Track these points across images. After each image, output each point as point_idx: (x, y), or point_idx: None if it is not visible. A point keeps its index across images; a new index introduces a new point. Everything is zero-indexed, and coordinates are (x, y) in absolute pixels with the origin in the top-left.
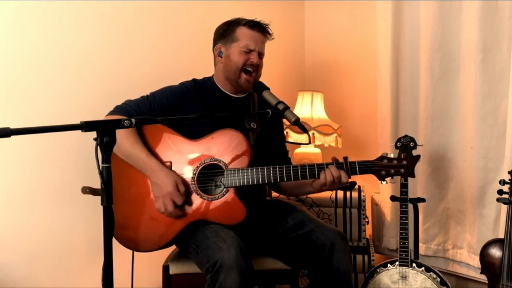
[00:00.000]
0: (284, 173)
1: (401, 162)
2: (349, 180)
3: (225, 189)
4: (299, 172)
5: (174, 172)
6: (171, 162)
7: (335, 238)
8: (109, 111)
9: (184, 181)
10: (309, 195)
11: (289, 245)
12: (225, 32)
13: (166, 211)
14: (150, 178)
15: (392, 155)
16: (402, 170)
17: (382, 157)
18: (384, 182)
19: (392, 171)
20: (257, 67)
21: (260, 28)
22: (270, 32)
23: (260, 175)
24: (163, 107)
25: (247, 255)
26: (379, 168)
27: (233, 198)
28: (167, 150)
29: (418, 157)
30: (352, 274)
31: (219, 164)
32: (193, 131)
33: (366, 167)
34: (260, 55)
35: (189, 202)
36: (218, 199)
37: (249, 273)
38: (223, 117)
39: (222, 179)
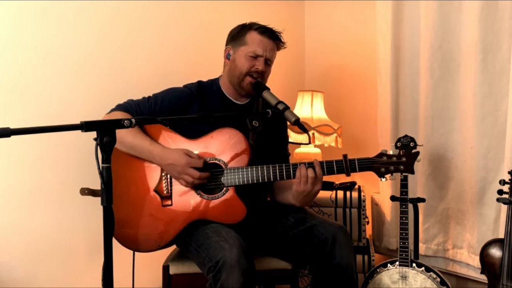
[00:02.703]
0: (284, 171)
1: (401, 159)
2: (349, 177)
3: (225, 188)
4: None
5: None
6: None
7: (337, 232)
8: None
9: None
10: None
11: (291, 241)
12: (236, 35)
13: (194, 179)
14: (161, 163)
15: (391, 152)
16: (402, 167)
17: (381, 154)
18: (383, 179)
19: (392, 168)
20: (262, 74)
21: (271, 35)
22: (282, 40)
23: (260, 174)
24: (163, 110)
25: (249, 254)
26: (378, 165)
27: (233, 197)
28: None
29: (417, 153)
30: None
31: (219, 163)
32: (193, 133)
33: (366, 165)
34: (268, 61)
35: (189, 201)
36: (218, 198)
37: (251, 272)
38: (224, 119)
39: (222, 178)
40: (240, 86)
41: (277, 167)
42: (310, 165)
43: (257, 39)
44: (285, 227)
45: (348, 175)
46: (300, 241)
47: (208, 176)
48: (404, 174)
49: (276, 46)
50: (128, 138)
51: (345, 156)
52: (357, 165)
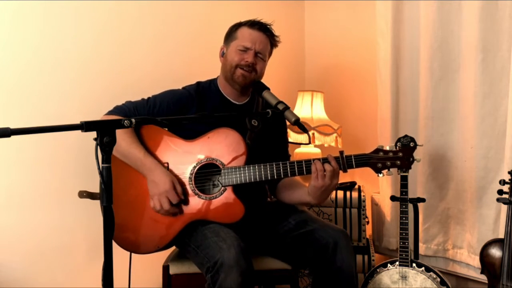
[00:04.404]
0: (281, 169)
1: (397, 154)
2: (346, 174)
3: (223, 188)
4: (296, 168)
5: (171, 172)
6: (167, 163)
7: (338, 237)
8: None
9: (181, 182)
10: None
11: (291, 244)
12: (229, 33)
13: (161, 209)
14: (147, 176)
15: (388, 148)
16: (398, 162)
17: (378, 150)
18: (380, 175)
19: (388, 163)
20: (253, 67)
21: (260, 27)
22: (273, 32)
23: (257, 173)
24: (162, 113)
25: (247, 255)
26: (375, 160)
27: (231, 196)
28: (164, 151)
29: (414, 148)
30: None
31: (216, 163)
32: (191, 134)
33: (363, 160)
34: (258, 54)
35: (187, 202)
36: (216, 198)
37: (249, 273)
38: (223, 119)
39: (220, 178)
40: (233, 79)
41: (274, 165)
42: (325, 160)
43: (246, 33)
44: (286, 229)
45: (345, 171)
46: (300, 244)
47: (175, 213)
48: (401, 169)
49: (268, 40)
50: (123, 146)
51: (341, 152)
52: (353, 161)
